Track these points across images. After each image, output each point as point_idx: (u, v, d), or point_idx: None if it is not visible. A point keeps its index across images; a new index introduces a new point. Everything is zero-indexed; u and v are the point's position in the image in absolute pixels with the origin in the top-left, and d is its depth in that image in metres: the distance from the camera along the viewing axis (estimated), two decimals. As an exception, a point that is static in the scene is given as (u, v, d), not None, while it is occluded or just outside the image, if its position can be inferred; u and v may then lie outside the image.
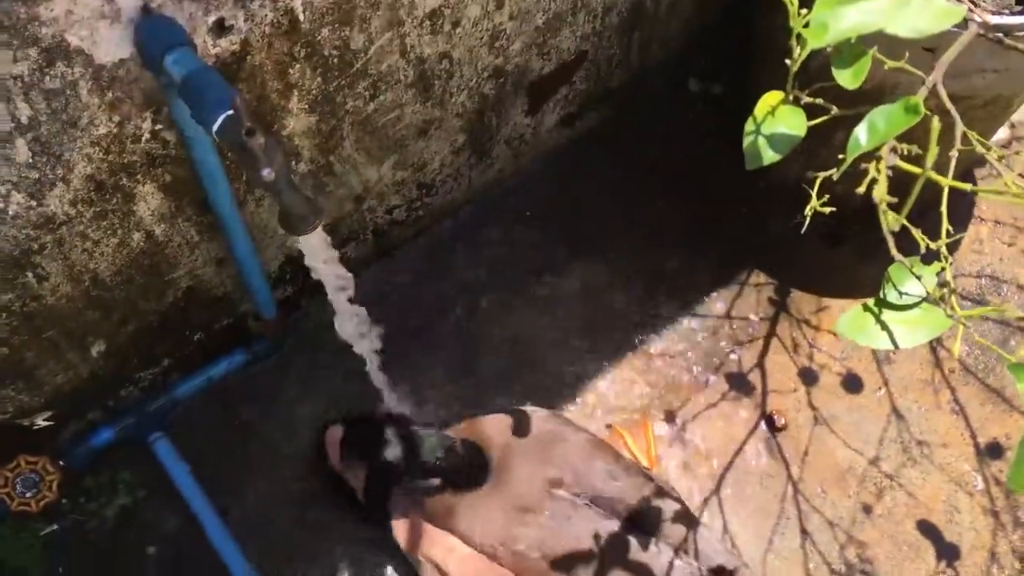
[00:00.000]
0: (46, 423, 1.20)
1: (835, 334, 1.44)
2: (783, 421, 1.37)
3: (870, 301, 0.67)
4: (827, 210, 0.70)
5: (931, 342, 1.43)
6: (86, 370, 1.18)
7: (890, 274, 0.67)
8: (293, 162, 1.15)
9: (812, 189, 0.70)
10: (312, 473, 1.30)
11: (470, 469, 1.15)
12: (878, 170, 0.58)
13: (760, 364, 1.41)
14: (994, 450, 1.35)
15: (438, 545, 1.14)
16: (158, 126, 0.95)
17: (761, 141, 0.67)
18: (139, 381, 1.28)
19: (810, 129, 0.70)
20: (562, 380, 1.39)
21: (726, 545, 1.22)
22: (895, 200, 0.61)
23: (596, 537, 1.10)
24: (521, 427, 1.19)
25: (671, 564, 1.11)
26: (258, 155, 0.73)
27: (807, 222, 0.72)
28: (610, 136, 1.60)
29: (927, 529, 1.31)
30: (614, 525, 1.11)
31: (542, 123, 1.48)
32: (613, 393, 1.39)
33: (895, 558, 1.29)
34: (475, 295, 1.45)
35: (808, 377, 1.41)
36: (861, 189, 0.59)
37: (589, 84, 1.48)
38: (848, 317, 0.68)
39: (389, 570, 1.25)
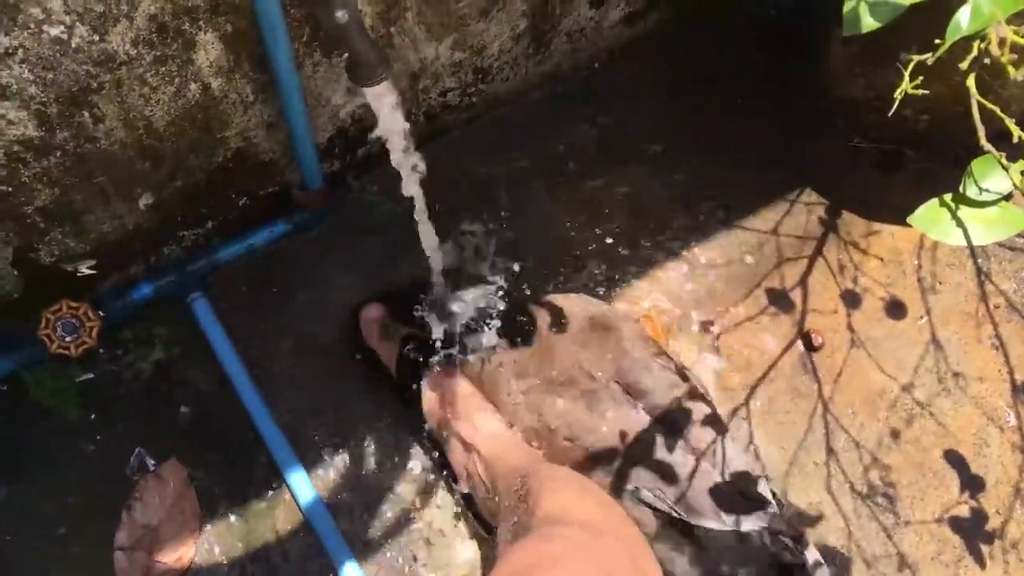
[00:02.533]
0: (89, 271, 1.21)
1: (882, 259, 1.41)
2: (820, 340, 1.36)
3: (947, 196, 0.65)
4: (919, 92, 0.67)
5: (979, 275, 1.41)
6: (132, 222, 1.18)
7: (973, 168, 0.65)
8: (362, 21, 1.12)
9: (905, 71, 0.67)
10: (346, 347, 1.30)
11: (520, 324, 1.14)
12: (983, 48, 0.56)
13: (803, 282, 1.40)
14: (1031, 388, 1.34)
15: (466, 422, 1.15)
16: (225, -30, 0.93)
17: (863, 6, 0.64)
18: (182, 240, 1.28)
19: (876, 51, 0.67)
20: (602, 280, 1.38)
21: (750, 456, 1.22)
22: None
23: (622, 426, 1.10)
24: (570, 309, 1.18)
25: (695, 467, 1.11)
26: (332, -6, 0.71)
27: (897, 103, 0.69)
28: (670, 41, 1.56)
29: (954, 459, 1.31)
30: (643, 417, 1.11)
31: (605, 18, 1.44)
32: (651, 298, 1.38)
33: (919, 484, 1.29)
34: (521, 189, 1.44)
35: (850, 300, 1.39)
36: (964, 64, 0.56)
37: (657, -20, 1.44)
38: (923, 210, 0.66)
39: (415, 447, 1.26)
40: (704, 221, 1.43)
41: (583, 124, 1.49)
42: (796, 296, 1.39)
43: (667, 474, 1.10)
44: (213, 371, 1.28)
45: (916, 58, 0.64)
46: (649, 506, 1.07)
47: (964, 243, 0.64)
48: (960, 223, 0.64)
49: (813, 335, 1.36)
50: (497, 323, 1.16)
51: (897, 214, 1.44)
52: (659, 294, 1.38)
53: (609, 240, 1.41)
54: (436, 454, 1.23)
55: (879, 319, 1.38)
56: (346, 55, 1.10)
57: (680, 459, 1.10)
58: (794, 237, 1.43)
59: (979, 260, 1.43)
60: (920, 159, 1.49)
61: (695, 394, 1.16)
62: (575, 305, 1.20)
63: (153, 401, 1.27)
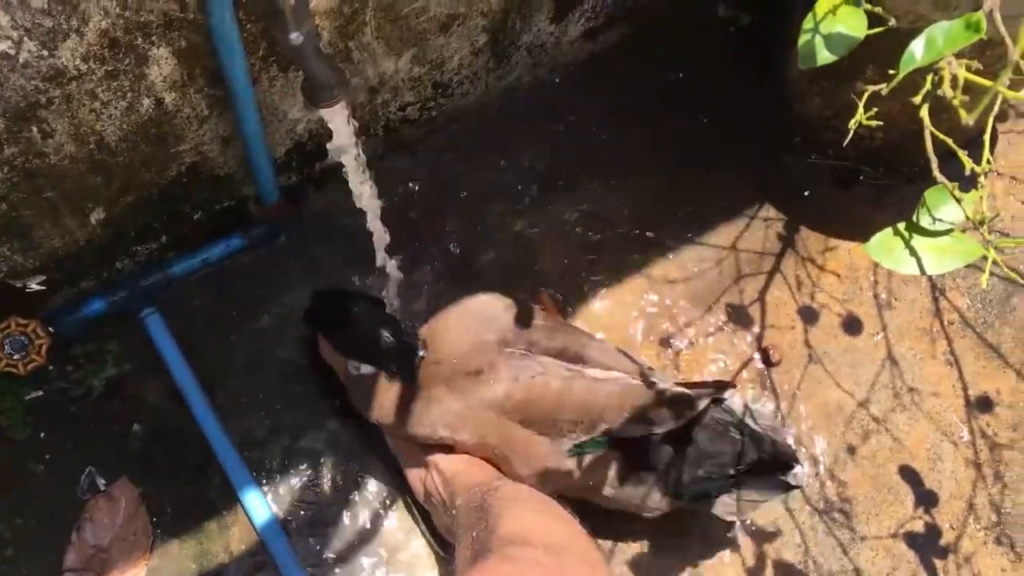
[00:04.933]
0: (39, 287, 1.18)
1: (839, 275, 1.43)
2: (778, 356, 1.36)
3: (901, 225, 0.65)
4: (874, 123, 0.68)
5: (934, 291, 1.42)
6: (83, 237, 1.16)
7: (926, 198, 0.65)
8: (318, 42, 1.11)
9: (860, 101, 0.67)
10: (304, 362, 1.29)
11: (400, 351, 1.12)
12: (937, 80, 0.56)
13: (761, 298, 1.41)
14: (984, 404, 1.36)
15: (424, 437, 1.13)
16: (178, -15, 0.92)
17: (818, 40, 0.64)
18: (135, 255, 1.26)
19: (834, 68, 0.68)
20: (559, 298, 1.38)
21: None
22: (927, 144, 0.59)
23: (561, 377, 1.09)
24: (455, 308, 1.16)
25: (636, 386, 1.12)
26: (287, 16, 0.70)
27: (849, 137, 0.70)
28: (631, 55, 1.56)
29: (908, 474, 1.32)
30: (572, 367, 1.11)
31: (565, 33, 1.44)
32: (608, 313, 1.38)
33: (874, 499, 1.30)
34: (480, 202, 1.43)
35: (808, 315, 1.40)
36: (917, 98, 0.57)
37: (617, -4, 1.44)
38: (877, 239, 0.66)
39: (373, 464, 1.25)
40: (663, 237, 1.44)
41: (543, 139, 1.49)
42: (755, 312, 1.40)
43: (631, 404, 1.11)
44: (167, 388, 1.26)
45: (871, 88, 0.65)
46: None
47: (918, 272, 0.65)
48: (913, 252, 0.64)
49: (771, 351, 1.37)
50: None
51: (854, 230, 1.46)
52: (617, 309, 1.38)
53: (567, 256, 1.40)
54: (395, 473, 1.22)
55: (836, 335, 1.39)
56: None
57: (605, 383, 1.11)
58: (753, 252, 1.44)
59: (934, 277, 1.45)
60: (877, 176, 1.50)
61: (593, 338, 1.19)
62: (463, 302, 1.18)
63: (105, 419, 1.24)
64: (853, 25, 0.63)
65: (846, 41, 0.63)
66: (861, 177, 1.50)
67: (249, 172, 1.23)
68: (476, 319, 1.15)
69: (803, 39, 0.65)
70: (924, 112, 0.60)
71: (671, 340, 1.37)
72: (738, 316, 1.40)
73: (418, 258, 1.37)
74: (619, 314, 1.38)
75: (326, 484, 1.24)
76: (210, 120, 1.12)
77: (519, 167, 1.46)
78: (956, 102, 0.56)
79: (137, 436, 1.24)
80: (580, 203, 1.45)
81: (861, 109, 0.66)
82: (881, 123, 0.69)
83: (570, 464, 1.11)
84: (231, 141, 1.17)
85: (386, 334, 1.11)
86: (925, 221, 0.64)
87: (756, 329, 1.39)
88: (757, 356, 1.37)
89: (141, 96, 1.02)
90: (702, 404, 1.11)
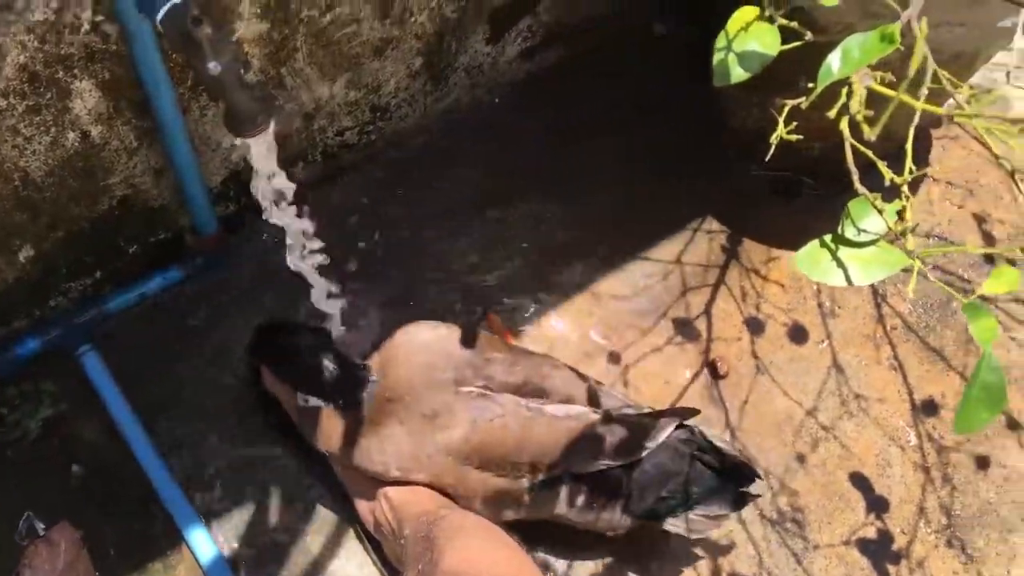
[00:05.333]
0: (-32, 329, 1.15)
1: (783, 285, 1.44)
2: (726, 369, 1.37)
3: (827, 237, 0.66)
4: (794, 137, 0.68)
5: (876, 297, 1.44)
6: (12, 275, 1.13)
7: (850, 209, 0.65)
8: (242, 71, 1.09)
9: (780, 116, 0.68)
10: (247, 393, 1.26)
11: (347, 383, 1.10)
12: (850, 93, 0.56)
13: (707, 311, 1.41)
14: (929, 407, 1.37)
15: (373, 465, 1.11)
16: (99, 17, 0.90)
17: (731, 58, 0.64)
18: (68, 291, 1.23)
19: (770, 76, 0.68)
20: (506, 316, 1.37)
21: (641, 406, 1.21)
22: (850, 151, 0.60)
23: (520, 418, 1.08)
24: (408, 340, 1.14)
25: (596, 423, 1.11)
26: (204, 47, 0.69)
27: (772, 149, 0.70)
28: (569, 73, 1.56)
29: (859, 481, 1.33)
30: (532, 404, 1.10)
31: (502, 54, 1.44)
32: (556, 330, 1.37)
33: (826, 508, 1.30)
34: (422, 225, 1.42)
35: (754, 326, 1.41)
36: (832, 113, 0.57)
37: (552, 16, 1.44)
38: (804, 252, 0.66)
39: (322, 495, 1.23)
40: (608, 252, 1.44)
41: (484, 160, 1.48)
42: (701, 325, 1.40)
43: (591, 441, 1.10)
44: (106, 426, 1.23)
45: (789, 102, 0.65)
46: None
47: (845, 284, 0.65)
48: (840, 264, 0.64)
49: (719, 363, 1.37)
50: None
51: (795, 240, 1.45)
52: (565, 328, 1.38)
53: (511, 276, 1.40)
54: (345, 504, 1.20)
55: (782, 345, 1.40)
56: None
57: (566, 420, 1.10)
58: (697, 266, 1.44)
59: (876, 283, 1.46)
60: (817, 186, 1.52)
61: (559, 365, 1.17)
62: (417, 334, 1.16)
63: (42, 461, 1.21)
64: (766, 42, 0.64)
65: (759, 58, 0.64)
66: (801, 187, 1.51)
67: (184, 203, 1.21)
68: (429, 355, 1.13)
69: (717, 57, 0.65)
70: (844, 125, 0.60)
71: (619, 356, 1.37)
72: (685, 329, 1.40)
73: (362, 284, 1.36)
74: (567, 331, 1.37)
75: (274, 517, 1.22)
76: (140, 152, 1.10)
77: (460, 188, 1.45)
78: (859, 117, 0.56)
79: (77, 477, 1.21)
80: (523, 222, 1.44)
81: (781, 124, 0.67)
82: (801, 136, 0.70)
83: (528, 499, 1.10)
84: (163, 172, 1.15)
85: (331, 366, 1.09)
86: (850, 232, 0.65)
87: (703, 342, 1.39)
88: (705, 369, 1.37)
89: (66, 130, 1.00)
90: (664, 434, 1.11)
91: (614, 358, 1.37)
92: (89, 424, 1.23)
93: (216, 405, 1.27)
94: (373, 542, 1.19)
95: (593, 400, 1.14)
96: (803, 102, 0.63)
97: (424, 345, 1.14)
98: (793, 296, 1.43)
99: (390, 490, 1.10)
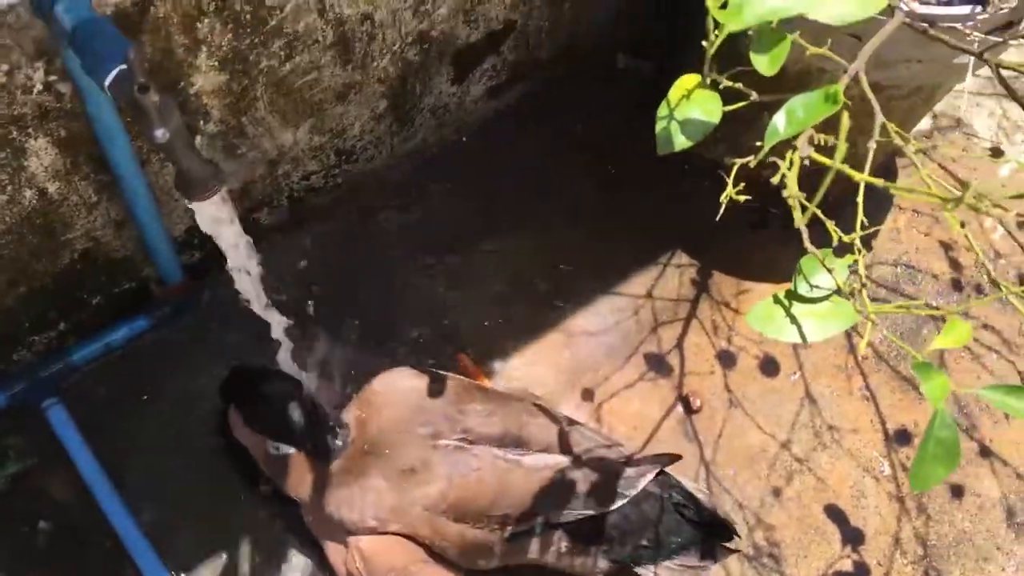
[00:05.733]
0: (-70, 386, 1.13)
1: (753, 318, 1.44)
2: (699, 403, 1.36)
3: (781, 293, 0.65)
4: (742, 198, 0.68)
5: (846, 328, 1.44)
6: (-27, 332, 1.12)
7: (801, 266, 0.65)
8: (201, 122, 1.09)
9: (729, 176, 0.68)
10: (216, 443, 1.25)
11: (319, 432, 1.10)
12: (791, 162, 0.56)
13: (679, 345, 1.41)
14: (902, 437, 1.37)
15: (346, 517, 1.11)
16: (51, 77, 0.90)
17: (674, 126, 0.64)
18: (32, 345, 1.22)
19: (734, 113, 0.68)
20: (477, 356, 1.36)
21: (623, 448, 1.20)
22: (804, 195, 0.60)
23: (496, 472, 1.08)
24: (385, 390, 1.15)
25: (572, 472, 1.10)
26: (151, 114, 0.69)
27: (723, 208, 0.70)
28: (536, 110, 1.57)
29: (834, 513, 1.32)
30: (510, 455, 1.10)
31: (468, 93, 1.44)
32: (527, 370, 1.37)
33: (801, 541, 1.30)
34: (392, 265, 1.41)
35: (726, 360, 1.40)
36: (775, 180, 0.57)
37: (517, 55, 1.44)
38: (758, 309, 0.66)
39: (294, 548, 1.22)
40: (578, 289, 1.43)
41: (451, 198, 1.48)
42: (673, 359, 1.40)
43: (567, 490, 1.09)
44: (73, 480, 1.21)
45: (738, 161, 0.65)
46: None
47: (799, 340, 0.65)
48: (794, 320, 0.64)
49: (692, 398, 1.37)
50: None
51: (765, 272, 1.48)
52: (537, 365, 1.37)
53: (481, 315, 1.39)
54: (317, 556, 1.19)
55: (754, 377, 1.40)
56: (196, 138, 1.07)
57: (549, 471, 1.10)
58: (668, 300, 1.44)
59: (846, 313, 1.46)
60: (785, 214, 1.51)
61: (539, 410, 1.16)
62: (393, 382, 1.16)
63: (8, 517, 1.19)
64: (708, 110, 0.64)
65: (702, 126, 0.64)
66: (769, 218, 1.51)
67: (147, 254, 1.20)
68: (407, 408, 1.13)
69: (660, 125, 0.65)
70: (792, 185, 0.60)
71: (592, 392, 1.37)
72: (657, 364, 1.40)
73: (332, 329, 1.35)
74: (539, 369, 1.37)
75: (245, 567, 1.20)
76: (100, 206, 1.09)
77: (429, 228, 1.45)
78: (786, 192, 0.57)
79: (44, 533, 1.20)
80: (492, 260, 1.44)
81: (731, 185, 0.67)
82: (751, 198, 0.70)
83: (503, 549, 1.10)
84: (125, 224, 1.14)
85: (304, 413, 1.09)
86: (803, 288, 0.65)
87: (676, 376, 1.39)
88: (678, 404, 1.37)
89: (22, 188, 0.99)
90: (643, 483, 1.10)
91: (587, 395, 1.36)
92: (56, 478, 1.22)
93: (184, 456, 1.25)
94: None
95: (568, 444, 1.13)
96: (751, 161, 0.63)
97: (402, 396, 1.14)
98: (764, 328, 1.43)
99: (362, 541, 1.09)
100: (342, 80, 1.20)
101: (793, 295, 0.65)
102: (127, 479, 1.22)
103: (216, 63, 1.02)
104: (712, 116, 0.65)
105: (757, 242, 1.50)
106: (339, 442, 1.09)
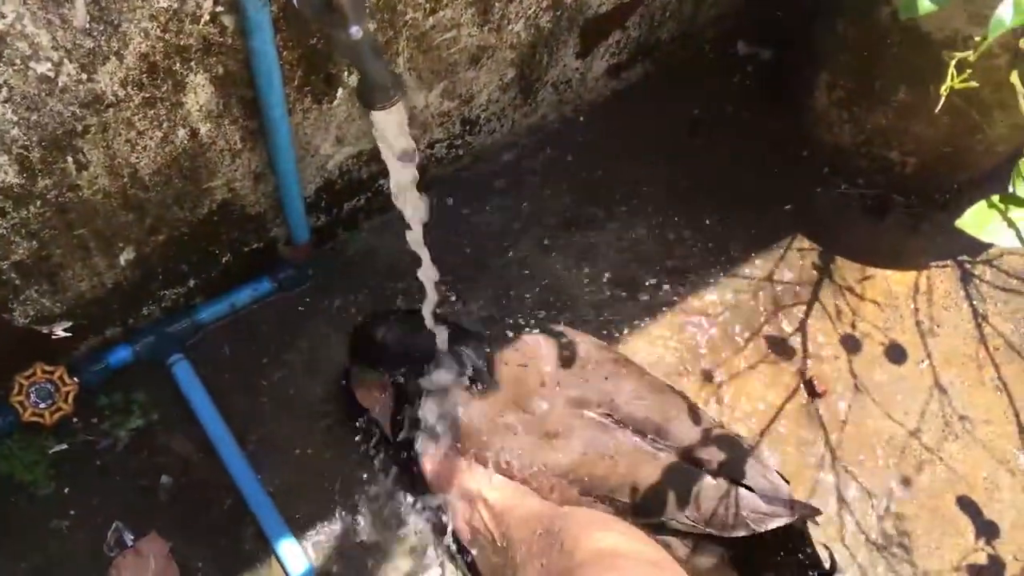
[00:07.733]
0: (65, 334, 1.14)
1: (879, 303, 1.40)
2: (823, 388, 1.32)
3: (995, 197, 0.63)
4: (968, 85, 0.65)
5: (976, 316, 1.40)
6: (111, 279, 1.12)
7: (1020, 167, 0.63)
8: (344, 74, 1.10)
9: (950, 65, 0.65)
10: (337, 406, 1.24)
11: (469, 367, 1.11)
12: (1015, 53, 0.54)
13: (801, 329, 1.37)
14: (1038, 429, 1.32)
15: (472, 479, 1.09)
16: (219, 8, 0.90)
17: (918, -11, 0.62)
18: (162, 300, 1.22)
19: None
20: (595, 333, 1.34)
21: (772, 475, 1.14)
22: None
23: (630, 458, 1.06)
24: (548, 347, 1.14)
25: (702, 482, 1.06)
26: (346, 10, 0.68)
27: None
28: (654, 92, 1.56)
29: (967, 505, 1.27)
30: (647, 445, 1.08)
31: (590, 69, 1.44)
32: (647, 350, 1.34)
33: (933, 532, 1.25)
34: (509, 240, 1.40)
35: (850, 345, 1.36)
36: (1002, 61, 0.55)
37: (641, 32, 1.44)
38: (971, 213, 0.63)
39: (412, 512, 1.20)
40: (699, 271, 1.41)
41: (570, 177, 1.47)
42: (795, 343, 1.36)
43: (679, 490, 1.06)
44: (196, 437, 1.21)
45: (959, 55, 0.63)
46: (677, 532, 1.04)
47: (1018, 244, 0.62)
48: (1011, 224, 0.61)
49: (816, 382, 1.33)
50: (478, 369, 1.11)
51: (890, 259, 1.44)
52: (655, 345, 1.34)
53: (604, 292, 1.38)
54: (436, 519, 1.17)
55: (880, 364, 1.36)
56: (338, 91, 1.07)
57: (689, 477, 1.06)
58: (789, 284, 1.41)
59: (975, 302, 1.42)
60: (909, 204, 1.49)
61: (693, 409, 1.13)
62: (558, 342, 1.16)
63: (132, 472, 1.19)
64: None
65: (945, -9, 0.61)
66: (892, 205, 1.48)
67: (280, 211, 1.21)
68: (559, 369, 1.13)
69: (903, -11, 0.63)
70: (1015, 77, 0.58)
71: (712, 374, 1.33)
72: (779, 348, 1.36)
73: (461, 295, 1.35)
74: (657, 349, 1.34)
75: (364, 532, 1.19)
76: (243, 155, 1.09)
77: (544, 206, 1.44)
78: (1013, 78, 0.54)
79: (166, 488, 1.19)
80: (612, 239, 1.42)
81: (951, 76, 0.64)
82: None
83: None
84: (263, 178, 1.15)
85: (457, 344, 1.12)
86: (1022, 191, 0.62)
87: (798, 360, 1.35)
88: (802, 388, 1.33)
89: (177, 126, 0.99)
90: (773, 524, 1.03)
91: (707, 375, 1.33)
92: (180, 435, 1.21)
93: (305, 417, 1.24)
94: (470, 565, 1.15)
95: (709, 449, 1.09)
96: (971, 56, 0.61)
97: (557, 356, 1.14)
98: (890, 314, 1.39)
99: (490, 496, 1.07)
100: (477, 42, 1.20)
101: (1009, 199, 0.62)
102: (249, 438, 1.22)
103: (366, 11, 1.03)
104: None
105: (880, 229, 1.47)
106: (488, 385, 1.09)
